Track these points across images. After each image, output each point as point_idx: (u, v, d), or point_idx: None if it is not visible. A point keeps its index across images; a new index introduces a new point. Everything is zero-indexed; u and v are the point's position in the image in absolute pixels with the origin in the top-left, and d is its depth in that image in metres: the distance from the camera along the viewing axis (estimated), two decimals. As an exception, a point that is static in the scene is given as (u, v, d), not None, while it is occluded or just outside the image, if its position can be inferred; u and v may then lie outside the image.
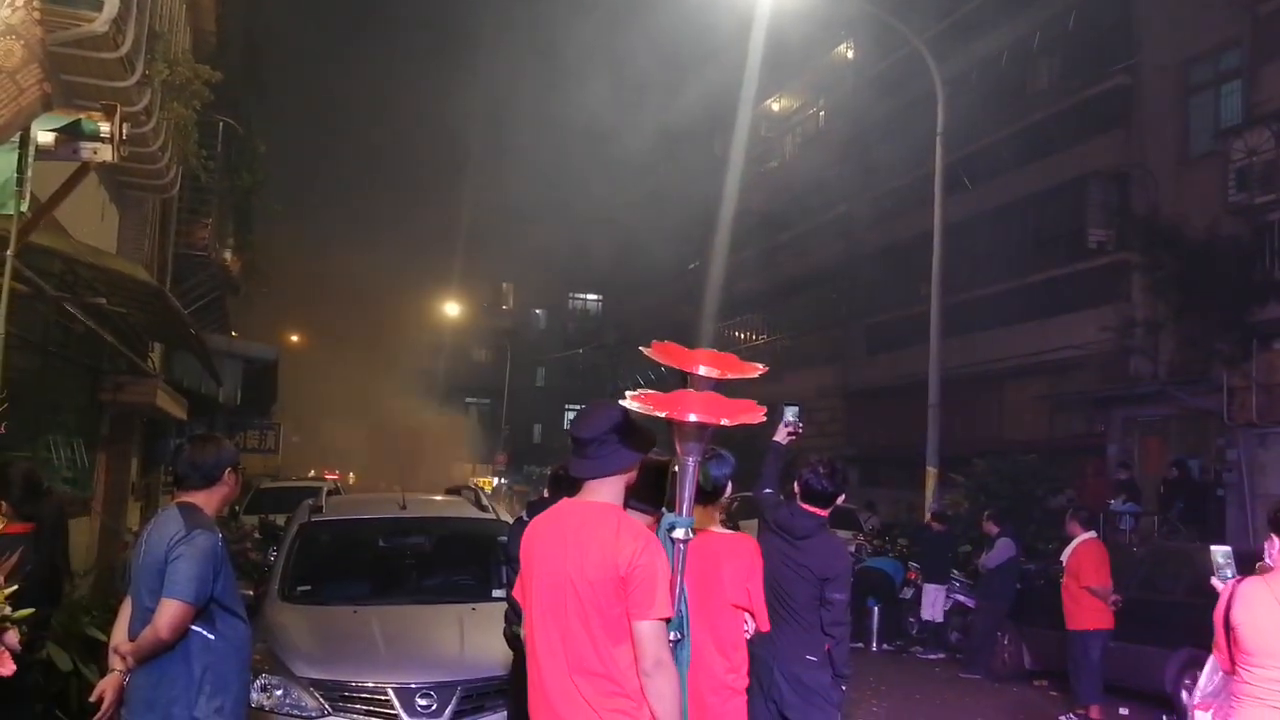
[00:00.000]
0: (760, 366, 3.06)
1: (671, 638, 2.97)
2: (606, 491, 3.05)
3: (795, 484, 5.34)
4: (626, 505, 3.11)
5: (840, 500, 5.42)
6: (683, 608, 3.05)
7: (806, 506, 5.24)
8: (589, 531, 2.98)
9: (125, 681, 3.88)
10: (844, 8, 23.73)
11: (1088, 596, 9.40)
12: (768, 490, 5.45)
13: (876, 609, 13.95)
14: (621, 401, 2.88)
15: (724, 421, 2.84)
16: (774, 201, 34.68)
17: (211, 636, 3.86)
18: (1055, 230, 22.91)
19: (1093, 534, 9.96)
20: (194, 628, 3.82)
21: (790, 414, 5.34)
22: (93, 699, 3.91)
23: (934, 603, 13.67)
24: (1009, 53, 24.58)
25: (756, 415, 2.85)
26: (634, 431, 3.02)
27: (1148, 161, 20.12)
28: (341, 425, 40.91)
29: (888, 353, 28.31)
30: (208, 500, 4.05)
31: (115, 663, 3.93)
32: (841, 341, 31.90)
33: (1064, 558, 9.83)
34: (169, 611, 3.74)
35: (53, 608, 5.81)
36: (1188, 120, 19.87)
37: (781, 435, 5.36)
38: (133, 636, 3.89)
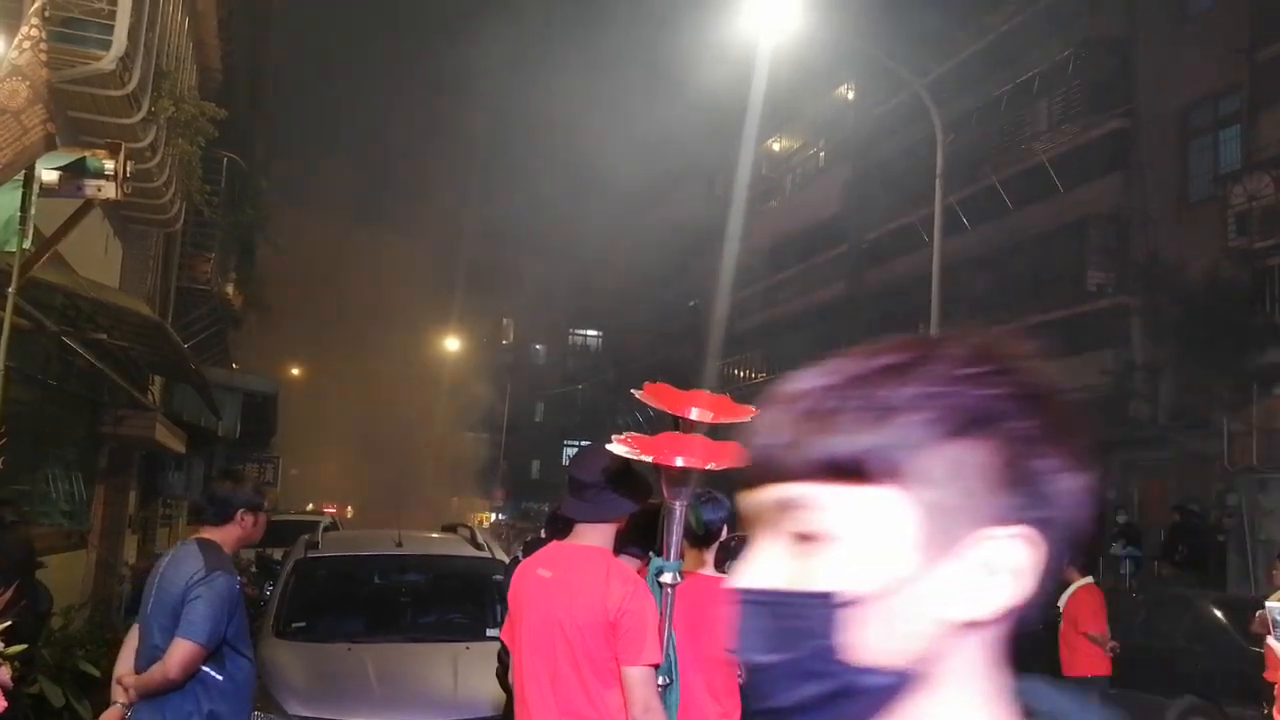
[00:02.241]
0: (754, 410, 3.04)
1: (660, 683, 2.97)
2: (597, 535, 3.06)
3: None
4: (618, 550, 3.11)
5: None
6: (671, 652, 3.04)
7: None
8: (578, 575, 2.98)
9: (126, 716, 3.84)
10: (845, 50, 23.95)
11: (1085, 643, 9.33)
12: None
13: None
14: (609, 445, 2.87)
15: (710, 466, 2.84)
16: (774, 240, 34.84)
17: (220, 677, 3.84)
18: (1054, 273, 22.96)
19: (1090, 579, 9.91)
20: (203, 668, 3.80)
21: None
22: None
23: None
24: (1008, 96, 24.75)
25: (744, 459, 2.83)
26: (631, 480, 3.02)
27: (1147, 205, 20.22)
28: (340, 459, 40.87)
29: (888, 393, 28.27)
30: (224, 538, 4.01)
31: (117, 694, 3.89)
32: (842, 381, 31.85)
33: (1061, 603, 9.76)
34: (181, 652, 3.72)
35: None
36: (1187, 165, 19.98)
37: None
38: (138, 670, 3.87)
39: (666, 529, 2.98)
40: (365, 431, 41.95)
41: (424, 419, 44.79)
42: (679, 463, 2.80)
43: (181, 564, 3.89)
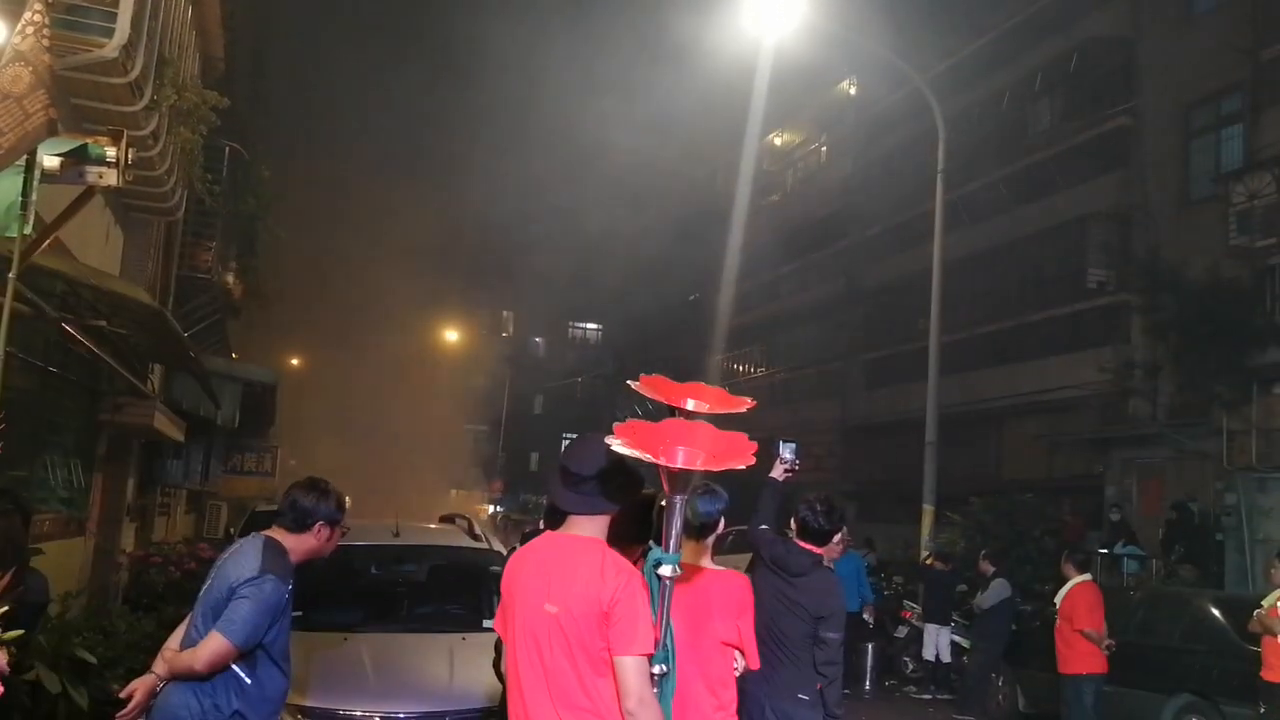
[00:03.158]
0: (749, 401, 3.01)
1: (657, 670, 2.96)
2: (591, 526, 3.06)
3: (792, 521, 5.32)
4: (610, 540, 3.10)
5: (837, 539, 5.40)
6: (668, 640, 3.03)
7: (803, 544, 5.23)
8: (573, 565, 2.98)
9: (159, 688, 3.83)
10: (848, 45, 23.91)
11: (1081, 640, 9.34)
12: (764, 527, 5.43)
13: (870, 647, 13.85)
14: (607, 439, 2.82)
15: (708, 468, 2.79)
16: (774, 235, 34.85)
17: (249, 681, 3.81)
18: (1055, 270, 22.97)
19: (1087, 577, 9.92)
20: (234, 666, 3.78)
21: (787, 451, 5.32)
22: (123, 695, 3.85)
23: (937, 643, 13.55)
24: (1011, 93, 24.74)
25: (745, 458, 2.79)
26: (626, 474, 3.01)
27: (1148, 203, 20.22)
28: (338, 449, 40.84)
29: (886, 388, 28.32)
30: (295, 545, 3.98)
31: (158, 665, 3.89)
32: (840, 376, 31.93)
33: (1058, 600, 9.78)
34: (212, 646, 3.71)
35: None
36: (1188, 163, 19.99)
37: (778, 472, 5.32)
38: (182, 649, 3.86)
39: (667, 521, 2.97)
40: (364, 423, 41.92)
41: (423, 411, 44.75)
42: (679, 459, 2.77)
43: (241, 559, 3.86)
